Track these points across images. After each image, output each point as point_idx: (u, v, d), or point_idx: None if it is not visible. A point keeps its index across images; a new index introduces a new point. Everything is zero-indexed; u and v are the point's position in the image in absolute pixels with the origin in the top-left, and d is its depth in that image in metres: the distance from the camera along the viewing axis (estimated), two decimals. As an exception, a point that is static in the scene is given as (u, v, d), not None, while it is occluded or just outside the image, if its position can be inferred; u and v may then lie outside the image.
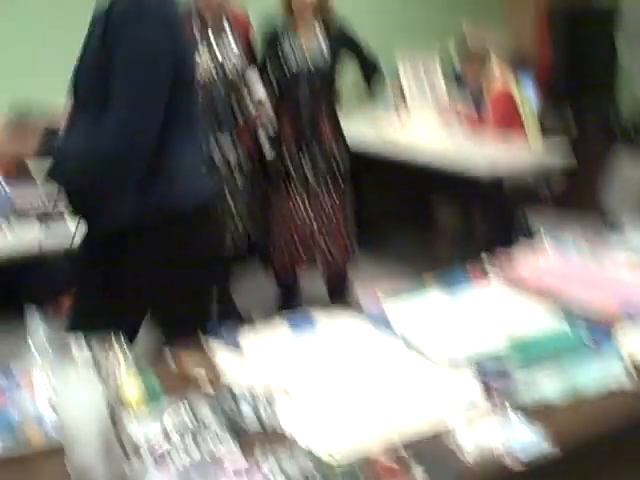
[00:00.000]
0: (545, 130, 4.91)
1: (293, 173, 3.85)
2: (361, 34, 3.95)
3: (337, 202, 3.91)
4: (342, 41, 3.83)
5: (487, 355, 1.63)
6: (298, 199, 3.88)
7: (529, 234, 3.90)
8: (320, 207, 3.89)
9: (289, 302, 4.09)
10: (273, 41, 3.78)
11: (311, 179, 3.86)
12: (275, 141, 3.82)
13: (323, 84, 3.79)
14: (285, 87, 3.79)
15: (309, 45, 3.76)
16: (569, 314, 1.82)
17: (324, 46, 3.77)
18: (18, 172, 3.35)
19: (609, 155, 4.12)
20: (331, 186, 3.89)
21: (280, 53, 3.76)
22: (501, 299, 1.95)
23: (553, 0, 5.80)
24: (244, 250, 3.84)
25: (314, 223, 3.89)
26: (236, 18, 3.70)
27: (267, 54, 3.79)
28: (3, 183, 3.42)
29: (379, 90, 4.13)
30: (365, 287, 2.10)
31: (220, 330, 1.80)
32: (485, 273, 2.10)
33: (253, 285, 4.28)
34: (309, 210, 3.89)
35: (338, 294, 3.98)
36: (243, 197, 3.77)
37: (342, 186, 3.93)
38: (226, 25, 3.62)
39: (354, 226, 4.03)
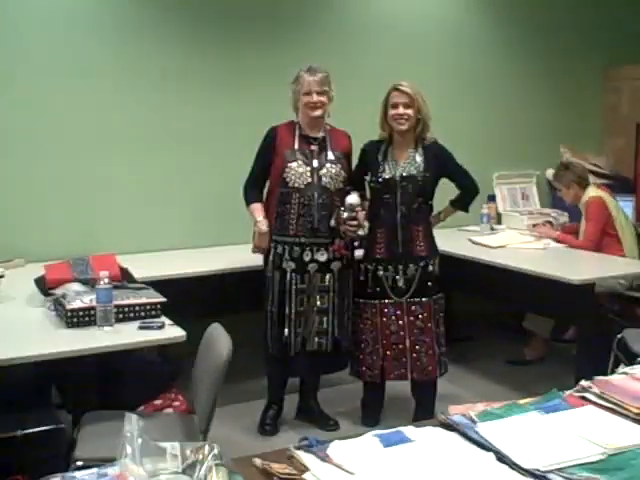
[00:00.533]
0: None
1: (384, 280, 3.91)
2: (461, 155, 4.07)
3: (428, 312, 3.92)
4: (436, 155, 3.92)
5: (580, 464, 1.60)
6: (390, 307, 3.91)
7: (628, 356, 3.80)
8: (411, 317, 3.90)
9: (372, 405, 4.10)
10: (371, 151, 3.97)
11: (403, 287, 3.89)
12: (366, 246, 3.93)
13: (415, 193, 3.87)
14: (378, 194, 3.90)
15: (403, 155, 3.90)
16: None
17: (418, 158, 3.88)
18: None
19: None
20: (423, 296, 3.91)
21: (377, 162, 3.91)
22: (598, 419, 1.91)
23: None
24: (329, 347, 3.92)
25: (405, 333, 3.90)
26: (337, 133, 3.98)
27: (364, 162, 3.97)
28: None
29: (470, 204, 4.17)
30: (456, 403, 2.07)
31: (311, 441, 1.80)
32: (582, 397, 2.06)
33: (339, 387, 4.32)
34: (400, 320, 3.90)
35: (425, 405, 3.98)
36: (330, 296, 3.90)
37: (434, 296, 3.94)
38: (327, 139, 3.91)
39: (444, 337, 4.02)
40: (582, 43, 6.14)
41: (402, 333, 3.91)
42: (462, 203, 4.14)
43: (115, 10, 4.59)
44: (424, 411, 3.88)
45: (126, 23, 4.62)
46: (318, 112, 3.84)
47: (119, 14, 4.60)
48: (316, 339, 3.91)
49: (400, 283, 3.89)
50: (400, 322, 3.91)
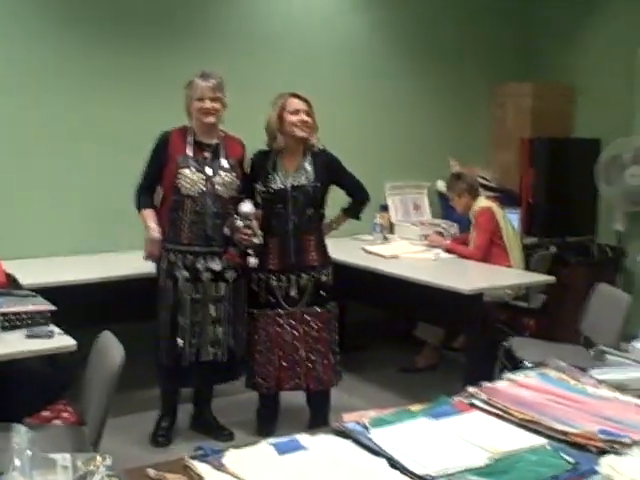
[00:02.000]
0: (528, 258, 5.15)
1: (277, 290, 3.92)
2: (353, 165, 4.13)
3: (323, 322, 3.95)
4: (326, 164, 3.96)
5: (468, 469, 1.66)
6: (284, 317, 3.92)
7: (514, 363, 3.94)
8: (306, 326, 3.92)
9: (268, 415, 4.12)
10: (260, 161, 3.95)
11: (296, 297, 3.91)
12: (260, 255, 3.89)
13: (306, 202, 3.89)
14: (269, 204, 3.89)
15: (293, 165, 3.91)
16: (551, 437, 1.86)
17: (308, 167, 3.90)
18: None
19: (590, 287, 4.26)
20: (316, 305, 3.93)
21: (266, 172, 3.90)
22: (485, 424, 1.97)
23: (535, 138, 6.04)
24: (223, 357, 3.89)
25: (299, 343, 3.92)
26: (231, 140, 3.95)
27: (254, 173, 3.95)
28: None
29: (362, 212, 4.23)
30: (350, 411, 2.10)
31: (206, 451, 1.79)
32: (470, 403, 2.12)
33: (233, 397, 4.33)
34: (295, 329, 3.92)
35: (320, 415, 4.01)
36: (225, 305, 3.87)
37: (327, 305, 3.97)
38: (220, 146, 3.87)
39: (338, 346, 4.05)
40: (469, 61, 6.37)
41: (296, 343, 3.92)
42: (354, 211, 4.19)
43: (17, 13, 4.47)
44: (319, 420, 3.91)
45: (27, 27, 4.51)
46: (211, 118, 3.80)
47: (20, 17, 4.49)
48: (211, 349, 3.86)
49: (293, 293, 3.90)
50: (295, 332, 3.92)
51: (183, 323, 3.81)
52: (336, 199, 4.16)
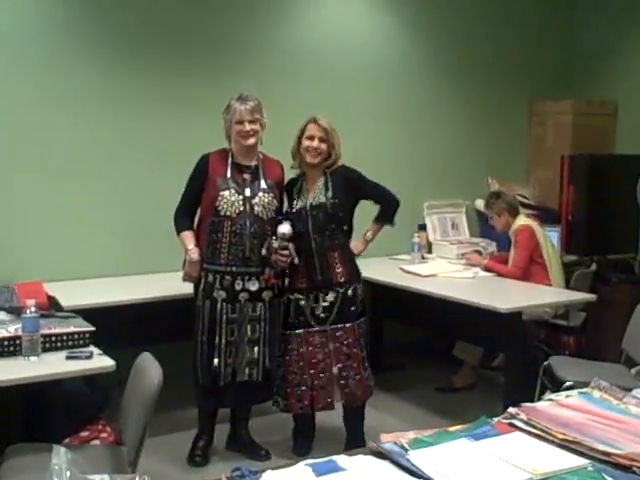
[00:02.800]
0: (568, 276, 5.10)
1: (306, 309, 3.92)
2: (392, 184, 4.13)
3: (353, 337, 3.92)
4: (345, 179, 3.95)
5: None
6: (315, 336, 3.92)
7: (554, 382, 3.89)
8: (337, 343, 3.91)
9: (304, 435, 4.11)
10: (290, 186, 4.01)
11: (324, 314, 3.90)
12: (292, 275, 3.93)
13: (326, 220, 3.89)
14: (294, 223, 3.90)
15: (314, 186, 3.94)
16: (593, 458, 1.84)
17: (326, 185, 3.92)
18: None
19: (632, 304, 4.19)
20: (345, 321, 3.91)
21: (293, 195, 3.97)
22: (526, 445, 1.94)
23: (575, 155, 5.99)
24: (259, 377, 3.89)
25: (331, 360, 3.91)
26: (270, 161, 3.98)
27: (287, 195, 4.00)
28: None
29: (393, 216, 4.18)
30: (387, 431, 2.08)
31: (243, 471, 1.79)
32: (510, 424, 2.09)
33: (270, 417, 4.30)
34: (326, 347, 3.91)
35: (355, 432, 3.99)
36: (261, 325, 3.88)
37: (357, 320, 3.95)
38: (259, 168, 3.91)
39: (368, 360, 4.02)
40: (507, 78, 6.33)
41: (328, 361, 3.91)
42: (385, 217, 4.16)
43: (42, 34, 4.53)
44: (356, 438, 3.90)
45: (55, 50, 4.56)
46: (251, 140, 3.84)
47: (46, 38, 4.54)
48: (247, 369, 3.87)
49: (320, 310, 3.90)
50: (326, 350, 3.91)
51: (219, 343, 3.82)
52: (367, 210, 4.14)
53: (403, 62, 5.90)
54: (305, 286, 3.92)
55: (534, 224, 5.02)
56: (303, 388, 3.94)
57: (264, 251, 3.81)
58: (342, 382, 3.92)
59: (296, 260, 3.84)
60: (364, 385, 3.97)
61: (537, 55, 6.46)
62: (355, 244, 4.08)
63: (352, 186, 3.97)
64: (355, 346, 3.93)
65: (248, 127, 3.81)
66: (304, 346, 3.93)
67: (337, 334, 3.91)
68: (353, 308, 3.93)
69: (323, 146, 3.89)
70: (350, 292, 3.92)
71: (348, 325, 3.92)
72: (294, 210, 3.92)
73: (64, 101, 4.61)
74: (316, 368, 3.92)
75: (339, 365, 3.91)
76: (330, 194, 3.90)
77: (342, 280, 3.92)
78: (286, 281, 3.93)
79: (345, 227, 3.98)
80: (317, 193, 3.92)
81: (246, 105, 3.81)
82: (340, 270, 3.92)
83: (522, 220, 5.02)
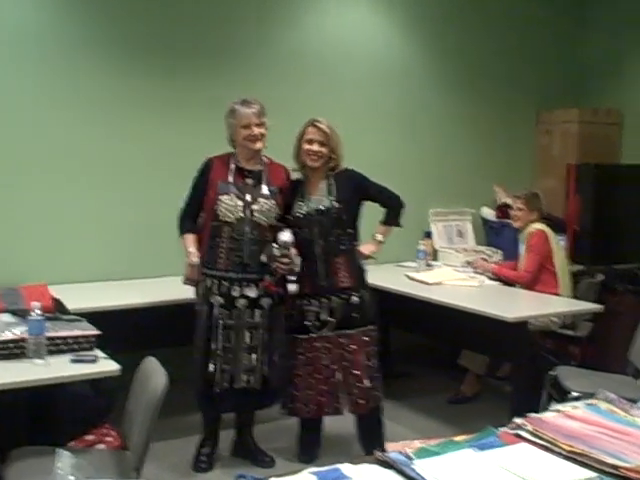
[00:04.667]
0: (574, 285, 5.08)
1: (310, 315, 3.90)
2: (397, 191, 4.10)
3: (357, 344, 3.89)
4: (349, 182, 3.93)
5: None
6: (319, 341, 3.90)
7: (560, 393, 3.87)
8: (340, 349, 3.88)
9: (309, 441, 4.10)
10: (293, 190, 3.96)
11: (328, 320, 3.88)
12: (296, 282, 3.87)
13: (331, 224, 3.87)
14: (297, 229, 3.88)
15: (316, 190, 3.92)
16: (601, 471, 1.83)
17: (330, 190, 3.89)
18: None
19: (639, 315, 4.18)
20: (348, 328, 3.89)
21: (296, 199, 3.93)
22: (531, 456, 1.93)
23: (581, 164, 5.98)
24: (256, 384, 3.85)
25: (335, 366, 3.89)
26: (275, 167, 3.95)
27: (291, 200, 3.95)
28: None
29: (400, 217, 4.14)
30: (393, 440, 2.07)
31: (246, 478, 1.78)
32: (516, 434, 2.08)
33: (275, 423, 4.31)
34: (330, 352, 3.89)
35: (373, 442, 3.90)
36: (260, 333, 3.84)
37: (361, 327, 3.91)
38: (263, 173, 3.88)
39: (377, 371, 3.98)
40: (514, 87, 6.35)
41: (333, 366, 3.90)
42: (391, 219, 4.12)
43: (43, 35, 4.55)
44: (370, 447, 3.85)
45: (59, 51, 4.58)
46: (259, 144, 3.82)
47: (47, 40, 4.55)
48: (244, 376, 3.83)
49: (325, 316, 3.88)
50: (331, 355, 3.89)
51: (215, 349, 3.80)
52: (374, 212, 4.13)
53: (410, 69, 5.90)
54: (309, 291, 3.90)
55: (548, 230, 5.01)
56: (310, 392, 3.93)
57: (263, 257, 3.79)
58: (345, 389, 3.91)
59: (297, 268, 3.82)
60: (367, 394, 3.92)
61: (545, 65, 6.47)
62: (366, 246, 4.05)
63: (357, 188, 3.95)
64: (359, 353, 3.90)
65: (256, 131, 3.79)
66: (310, 351, 3.92)
67: (340, 340, 3.89)
68: (357, 315, 3.91)
69: (323, 149, 3.87)
70: (355, 299, 3.90)
71: (351, 332, 3.90)
72: (299, 215, 3.90)
73: (70, 104, 4.63)
74: (322, 373, 3.91)
75: (343, 371, 3.89)
76: (334, 197, 3.88)
77: (346, 286, 3.90)
78: (288, 288, 3.85)
79: (350, 230, 3.95)
80: (320, 197, 3.90)
81: (252, 109, 3.80)
82: (345, 276, 3.90)
83: (538, 224, 5.03)
